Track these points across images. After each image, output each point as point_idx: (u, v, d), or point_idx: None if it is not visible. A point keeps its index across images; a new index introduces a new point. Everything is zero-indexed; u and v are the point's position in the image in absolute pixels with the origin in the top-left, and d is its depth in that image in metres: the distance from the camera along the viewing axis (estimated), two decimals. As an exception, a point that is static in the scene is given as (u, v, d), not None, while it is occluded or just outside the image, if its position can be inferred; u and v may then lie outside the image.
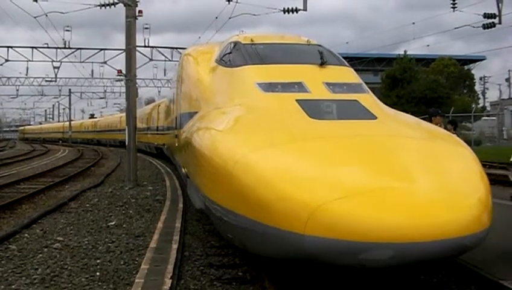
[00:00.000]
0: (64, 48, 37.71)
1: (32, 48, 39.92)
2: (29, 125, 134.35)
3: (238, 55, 9.31)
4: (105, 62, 41.34)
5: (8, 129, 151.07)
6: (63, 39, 37.01)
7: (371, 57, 68.26)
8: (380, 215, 4.98)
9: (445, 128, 9.75)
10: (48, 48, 39.16)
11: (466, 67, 73.05)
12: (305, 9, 25.59)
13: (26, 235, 9.77)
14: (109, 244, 8.94)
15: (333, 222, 5.00)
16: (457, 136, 8.71)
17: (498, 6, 28.01)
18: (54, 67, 43.53)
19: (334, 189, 5.26)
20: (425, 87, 52.71)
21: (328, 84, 8.06)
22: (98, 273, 7.25)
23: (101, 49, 41.09)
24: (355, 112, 7.41)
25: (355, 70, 9.48)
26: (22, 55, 40.19)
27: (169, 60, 40.79)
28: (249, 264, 7.63)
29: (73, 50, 39.08)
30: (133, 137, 19.03)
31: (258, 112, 7.52)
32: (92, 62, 44.15)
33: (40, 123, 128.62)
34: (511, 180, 8.06)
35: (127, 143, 19.18)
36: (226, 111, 8.19)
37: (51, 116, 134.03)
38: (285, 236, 5.22)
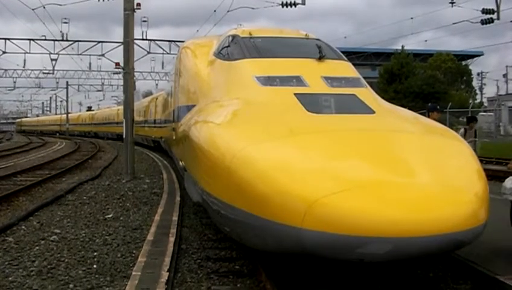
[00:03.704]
0: (62, 40, 37.70)
1: (30, 40, 39.83)
2: (27, 117, 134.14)
3: (236, 49, 9.29)
4: (103, 55, 41.25)
5: (5, 121, 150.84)
6: (61, 31, 37.00)
7: (369, 52, 68.34)
8: (377, 210, 4.98)
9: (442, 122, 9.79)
10: (46, 40, 39.14)
11: (464, 62, 73.08)
12: (303, 3, 25.59)
13: (23, 227, 9.78)
14: (106, 237, 8.94)
15: (331, 216, 5.00)
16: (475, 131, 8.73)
17: (496, 2, 28.05)
18: (52, 60, 43.42)
19: (332, 183, 5.26)
20: (423, 83, 52.81)
21: (326, 78, 8.05)
22: (95, 266, 7.25)
23: (99, 42, 41.00)
24: (353, 106, 7.41)
25: (353, 64, 9.47)
26: (20, 47, 40.20)
27: (167, 53, 40.76)
28: (246, 257, 7.64)
29: (70, 42, 39.03)
30: (131, 130, 19.01)
31: (256, 106, 7.52)
32: (90, 55, 44.22)
33: (37, 115, 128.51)
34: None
35: (124, 136, 19.16)
36: (224, 104, 8.18)
37: (48, 108, 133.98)
38: (282, 230, 5.22)
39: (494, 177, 15.41)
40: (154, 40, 39.67)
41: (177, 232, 8.86)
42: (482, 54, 77.75)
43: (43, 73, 56.40)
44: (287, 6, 25.86)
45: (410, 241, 4.98)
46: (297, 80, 7.95)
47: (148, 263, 6.87)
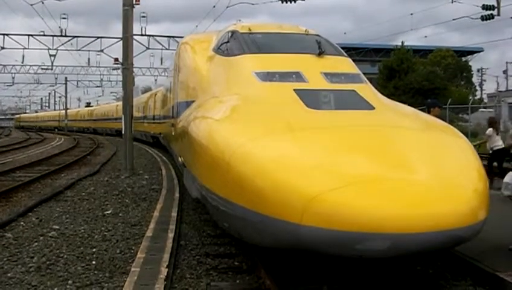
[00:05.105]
0: (61, 36, 37.61)
1: (29, 35, 39.80)
2: (25, 113, 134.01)
3: (235, 44, 9.26)
4: (102, 50, 41.14)
5: (3, 117, 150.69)
6: (60, 27, 36.93)
7: (368, 48, 68.35)
8: (377, 206, 4.98)
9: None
10: (44, 35, 39.09)
11: (463, 59, 73.05)
12: (303, -1, 25.51)
13: (22, 223, 9.77)
14: (105, 233, 8.93)
15: (330, 212, 4.99)
16: None
17: (497, -2, 28.00)
18: (50, 55, 43.37)
19: (331, 179, 5.26)
20: (423, 79, 52.69)
21: (326, 74, 8.03)
22: (94, 262, 7.24)
23: (98, 38, 40.91)
24: (353, 102, 7.40)
25: (353, 60, 9.44)
26: (18, 42, 40.08)
27: (166, 49, 40.74)
28: (245, 253, 7.64)
29: (69, 38, 38.95)
30: (130, 126, 18.99)
31: (256, 102, 7.49)
32: (89, 50, 43.97)
33: (36, 111, 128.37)
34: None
35: (123, 132, 19.15)
36: (223, 100, 8.16)
37: (46, 104, 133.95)
38: (281, 226, 5.22)
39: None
40: (153, 35, 39.64)
41: (176, 229, 8.85)
42: (482, 50, 77.77)
43: (42, 69, 56.22)
44: (286, 2, 25.77)
45: (409, 238, 4.97)
46: (297, 76, 7.92)
47: (147, 259, 6.87)
